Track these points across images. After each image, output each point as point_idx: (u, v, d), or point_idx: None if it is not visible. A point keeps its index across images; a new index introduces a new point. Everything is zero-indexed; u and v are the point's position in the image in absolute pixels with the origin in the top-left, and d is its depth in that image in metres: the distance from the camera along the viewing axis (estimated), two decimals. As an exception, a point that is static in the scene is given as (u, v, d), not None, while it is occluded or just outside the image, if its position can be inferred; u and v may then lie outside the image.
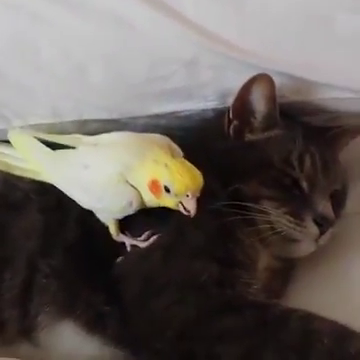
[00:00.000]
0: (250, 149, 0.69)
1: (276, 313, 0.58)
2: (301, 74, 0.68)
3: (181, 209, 0.60)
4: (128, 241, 0.65)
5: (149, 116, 0.74)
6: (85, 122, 0.74)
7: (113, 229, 0.65)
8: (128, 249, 0.64)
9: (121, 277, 0.62)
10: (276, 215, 0.66)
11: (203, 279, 0.60)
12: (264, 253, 0.68)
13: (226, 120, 0.71)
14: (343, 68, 0.67)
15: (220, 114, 0.72)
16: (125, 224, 0.65)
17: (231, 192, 0.65)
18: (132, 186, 0.61)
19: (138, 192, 0.61)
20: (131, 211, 0.63)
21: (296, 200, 0.67)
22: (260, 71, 0.67)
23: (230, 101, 0.70)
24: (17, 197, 0.67)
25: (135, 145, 0.64)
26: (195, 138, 0.72)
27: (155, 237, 0.64)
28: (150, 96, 0.72)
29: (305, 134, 0.69)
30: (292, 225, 0.66)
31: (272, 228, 0.66)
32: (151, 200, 0.61)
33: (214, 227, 0.64)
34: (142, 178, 0.61)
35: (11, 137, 0.70)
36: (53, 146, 0.67)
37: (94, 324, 0.61)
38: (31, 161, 0.67)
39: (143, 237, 0.65)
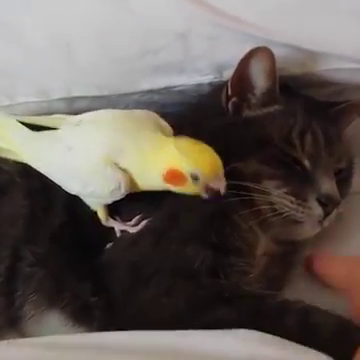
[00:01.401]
0: (249, 126, 0.65)
1: (272, 305, 0.55)
2: (302, 44, 0.64)
3: (203, 194, 0.56)
4: (118, 226, 0.62)
5: (141, 92, 0.70)
6: (74, 100, 0.71)
7: (102, 214, 0.62)
8: (118, 235, 0.61)
9: (109, 265, 0.59)
10: (277, 195, 0.62)
11: (195, 267, 0.57)
12: (263, 237, 0.64)
13: (224, 96, 0.66)
14: (346, 36, 0.62)
15: (216, 89, 0.68)
16: (115, 208, 0.62)
17: (228, 172, 0.61)
18: (120, 169, 0.58)
19: (127, 175, 0.58)
20: (120, 196, 0.59)
21: (298, 179, 0.63)
22: (257, 42, 0.63)
23: (226, 74, 0.66)
24: (2, 180, 0.64)
25: (124, 126, 0.60)
26: (191, 115, 0.68)
27: (146, 222, 0.60)
28: (141, 71, 0.68)
29: (307, 110, 0.65)
30: (294, 206, 0.62)
31: (273, 209, 0.62)
32: (160, 187, 0.58)
33: (209, 211, 0.60)
34: (148, 168, 0.57)
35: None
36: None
37: (80, 315, 0.59)
38: (13, 145, 0.63)
39: (133, 222, 0.61)
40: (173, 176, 0.56)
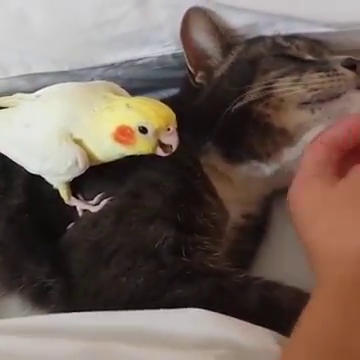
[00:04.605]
0: (229, 75, 0.63)
1: (235, 281, 0.53)
2: (266, 9, 0.61)
3: (159, 151, 0.54)
4: (80, 205, 0.59)
5: (103, 67, 0.68)
6: (36, 77, 0.68)
7: (64, 193, 0.59)
8: (79, 214, 0.59)
9: (69, 245, 0.57)
10: (304, 80, 0.58)
11: (157, 245, 0.54)
12: (235, 209, 0.62)
13: (191, 78, 0.64)
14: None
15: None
16: (79, 187, 0.59)
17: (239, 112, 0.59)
18: (76, 142, 0.55)
19: (83, 150, 0.55)
20: (78, 171, 0.56)
21: (312, 65, 0.60)
22: (219, 9, 0.61)
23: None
24: None
25: (77, 95, 0.57)
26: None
27: (107, 200, 0.58)
28: (100, 43, 0.65)
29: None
30: (327, 79, 0.58)
31: (304, 101, 0.59)
32: (114, 151, 0.55)
33: (176, 188, 0.57)
34: (99, 130, 0.54)
35: None
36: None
37: (38, 297, 0.57)
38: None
39: (95, 200, 0.59)
40: (122, 133, 0.53)
